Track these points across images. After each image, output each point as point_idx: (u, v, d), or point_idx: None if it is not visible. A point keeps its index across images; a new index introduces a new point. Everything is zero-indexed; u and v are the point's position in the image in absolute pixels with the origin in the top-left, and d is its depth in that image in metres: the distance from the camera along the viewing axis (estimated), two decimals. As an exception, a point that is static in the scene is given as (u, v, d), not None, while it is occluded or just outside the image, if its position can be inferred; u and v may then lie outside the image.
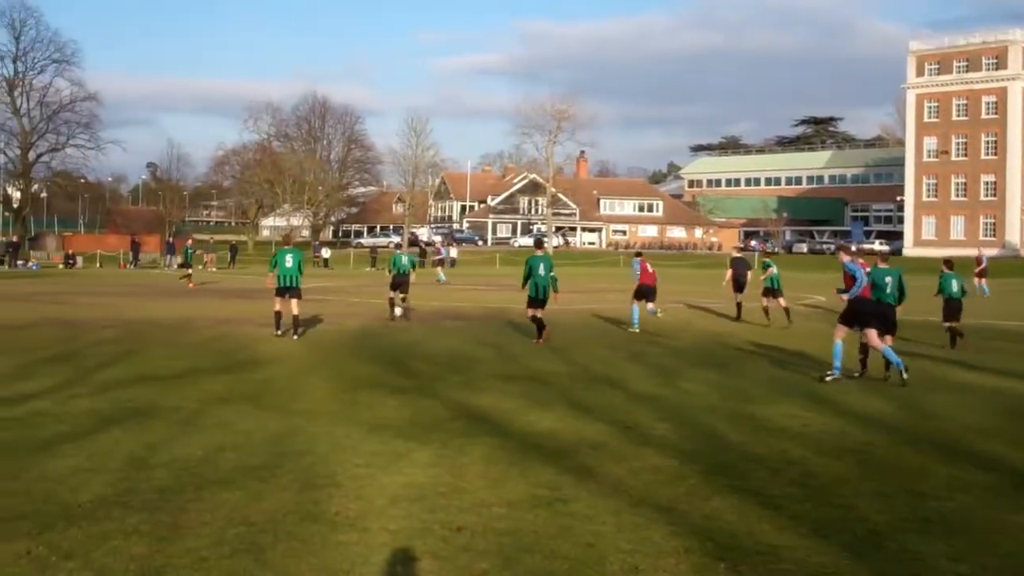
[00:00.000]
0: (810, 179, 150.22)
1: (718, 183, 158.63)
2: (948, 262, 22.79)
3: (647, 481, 9.15)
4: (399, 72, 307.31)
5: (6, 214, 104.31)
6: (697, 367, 17.64)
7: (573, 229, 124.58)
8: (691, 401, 13.83)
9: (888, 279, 16.73)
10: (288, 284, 21.73)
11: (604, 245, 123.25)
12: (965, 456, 10.37)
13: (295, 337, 21.26)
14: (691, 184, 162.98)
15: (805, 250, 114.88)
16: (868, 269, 16.76)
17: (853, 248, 19.28)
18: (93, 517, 7.74)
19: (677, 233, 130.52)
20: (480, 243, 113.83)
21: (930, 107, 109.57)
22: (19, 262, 67.74)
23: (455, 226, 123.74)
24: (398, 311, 26.65)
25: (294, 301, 21.71)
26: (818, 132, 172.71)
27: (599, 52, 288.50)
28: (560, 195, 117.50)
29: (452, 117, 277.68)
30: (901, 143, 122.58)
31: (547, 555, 7.02)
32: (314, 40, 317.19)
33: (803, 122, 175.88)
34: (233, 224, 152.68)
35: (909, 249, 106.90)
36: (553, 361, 18.14)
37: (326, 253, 77.98)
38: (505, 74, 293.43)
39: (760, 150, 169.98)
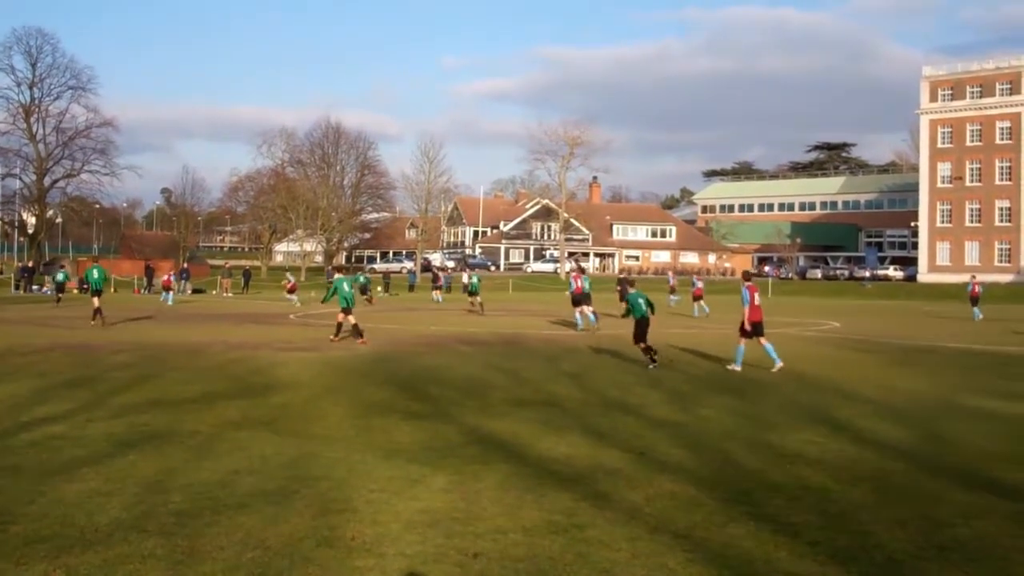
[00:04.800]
0: (823, 205, 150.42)
1: (731, 208, 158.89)
2: (631, 282, 30.32)
3: (663, 507, 9.12)
4: (415, 98, 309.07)
5: (21, 239, 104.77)
6: (714, 393, 17.57)
7: (586, 254, 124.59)
8: (708, 427, 13.79)
9: (640, 300, 22.16)
10: (98, 288, 34.74)
11: (616, 270, 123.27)
12: (982, 483, 10.29)
13: (94, 323, 32.82)
14: (704, 209, 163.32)
15: (819, 276, 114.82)
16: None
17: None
18: (110, 541, 7.75)
19: (690, 258, 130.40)
20: (493, 268, 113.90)
21: (944, 133, 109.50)
22: (34, 287, 67.90)
23: (468, 251, 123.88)
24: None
25: (97, 299, 34.30)
26: (831, 158, 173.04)
27: (614, 77, 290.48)
28: (573, 220, 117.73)
29: (465, 143, 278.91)
30: (915, 169, 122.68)
31: (564, 581, 6.99)
32: (333, 67, 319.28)
33: (816, 147, 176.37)
34: (247, 249, 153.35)
35: (924, 275, 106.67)
36: (568, 386, 18.11)
37: (339, 279, 77.30)
38: (519, 99, 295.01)
39: (773, 176, 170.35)
